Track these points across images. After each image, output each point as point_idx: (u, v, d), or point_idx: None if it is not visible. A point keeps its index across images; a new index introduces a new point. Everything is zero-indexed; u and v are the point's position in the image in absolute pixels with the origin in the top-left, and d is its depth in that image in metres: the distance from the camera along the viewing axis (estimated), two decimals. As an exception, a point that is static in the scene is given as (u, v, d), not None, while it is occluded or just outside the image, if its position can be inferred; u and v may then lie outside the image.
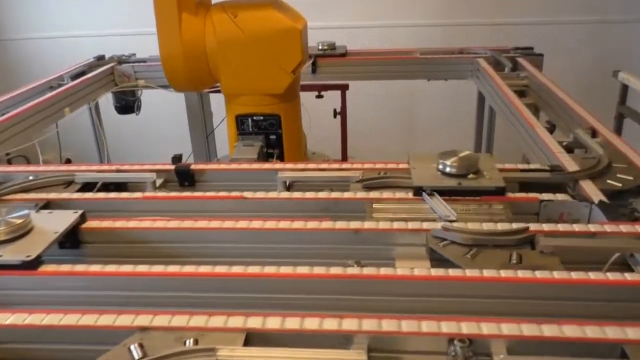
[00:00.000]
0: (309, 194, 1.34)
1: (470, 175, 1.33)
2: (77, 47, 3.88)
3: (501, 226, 1.15)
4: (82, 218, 1.26)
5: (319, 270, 1.03)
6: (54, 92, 2.37)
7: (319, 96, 3.21)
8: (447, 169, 1.35)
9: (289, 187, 1.47)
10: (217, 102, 3.18)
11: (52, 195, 1.41)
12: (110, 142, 3.59)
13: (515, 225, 1.15)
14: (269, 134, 2.15)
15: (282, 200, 1.34)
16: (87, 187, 1.50)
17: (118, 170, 1.54)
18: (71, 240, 1.24)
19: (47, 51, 4.31)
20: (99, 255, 1.26)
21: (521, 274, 0.99)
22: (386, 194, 1.32)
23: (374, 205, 1.27)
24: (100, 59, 2.94)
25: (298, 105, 2.25)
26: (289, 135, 2.17)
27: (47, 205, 1.38)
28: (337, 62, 2.75)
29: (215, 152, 3.23)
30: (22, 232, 1.14)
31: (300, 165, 1.51)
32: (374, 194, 1.32)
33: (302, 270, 1.03)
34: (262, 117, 2.13)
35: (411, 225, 1.17)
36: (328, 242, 1.18)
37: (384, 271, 1.02)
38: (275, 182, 1.47)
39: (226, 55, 2.01)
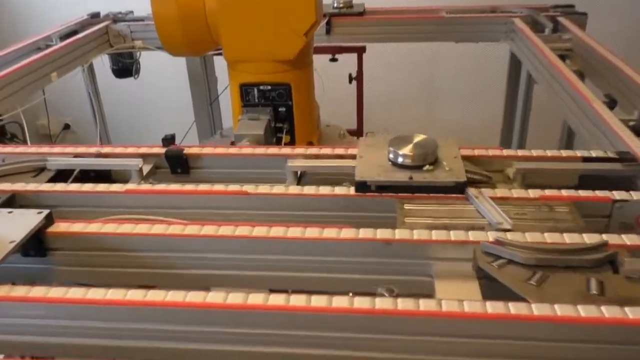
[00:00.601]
0: (324, 189, 1.10)
1: (427, 167, 1.09)
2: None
3: (569, 238, 0.91)
4: (48, 220, 1.03)
5: (339, 302, 0.79)
6: (40, 54, 2.12)
7: (333, 59, 2.93)
8: (399, 159, 1.11)
9: (300, 178, 1.22)
10: (222, 66, 2.92)
11: (18, 186, 1.18)
12: (110, 107, 3.35)
13: (588, 238, 0.90)
14: (278, 106, 1.89)
15: (292, 197, 1.10)
16: (62, 175, 1.26)
17: (99, 155, 1.30)
18: (35, 248, 1.01)
19: (44, 6, 4.02)
20: (69, 264, 1.04)
21: (608, 312, 0.75)
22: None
23: (406, 206, 1.03)
24: (94, 17, 2.67)
25: (310, 72, 1.98)
26: (301, 106, 1.91)
27: (12, 199, 1.14)
28: (353, 21, 2.46)
29: (220, 121, 2.98)
30: (-32, 242, 0.92)
31: (314, 151, 1.26)
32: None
33: (319, 302, 0.80)
34: (269, 87, 1.86)
35: (454, 235, 0.93)
36: (350, 254, 0.95)
37: (424, 305, 0.78)
38: (284, 170, 1.23)
39: (228, 15, 1.74)
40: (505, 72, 2.62)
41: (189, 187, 1.14)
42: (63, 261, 1.04)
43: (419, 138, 1.15)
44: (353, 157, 1.19)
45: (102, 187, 1.15)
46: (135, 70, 2.80)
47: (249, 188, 1.11)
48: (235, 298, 0.81)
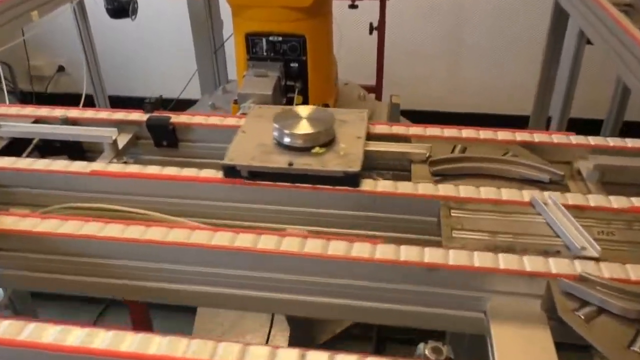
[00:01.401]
0: (188, 172, 0.89)
1: (316, 149, 0.89)
2: None
3: (681, 275, 0.66)
4: (-17, 211, 0.79)
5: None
6: (16, -11, 1.83)
7: (353, 6, 2.61)
8: (284, 139, 0.91)
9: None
10: (228, 9, 2.63)
11: (-41, 159, 0.93)
12: (104, 50, 3.07)
13: None
14: (290, 61, 1.61)
15: (302, 191, 0.85)
16: (19, 144, 1.02)
17: (65, 121, 1.04)
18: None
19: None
20: (13, 267, 0.81)
21: None
22: (471, 191, 0.82)
23: (453, 213, 0.78)
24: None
25: (329, 22, 1.69)
26: (316, 62, 1.63)
27: (-50, 175, 0.91)
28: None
29: (225, 71, 2.69)
30: None
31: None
32: (448, 189, 0.82)
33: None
34: (280, 38, 1.58)
35: (519, 261, 0.68)
36: (384, 278, 0.71)
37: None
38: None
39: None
40: (546, 28, 2.30)
41: (171, 170, 0.89)
42: (4, 263, 0.81)
43: (314, 111, 0.96)
44: (381, 137, 0.93)
45: (59, 165, 0.91)
46: (132, 10, 2.50)
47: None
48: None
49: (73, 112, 1.06)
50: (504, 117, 3.37)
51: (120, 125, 1.04)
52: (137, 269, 0.76)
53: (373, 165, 0.93)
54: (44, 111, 1.08)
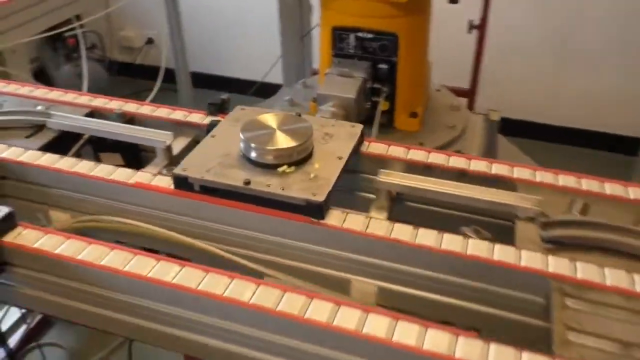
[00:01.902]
0: (427, 235, 0.68)
1: (283, 168, 0.77)
2: None
3: None
4: (8, 222, 0.69)
5: None
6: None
7: (454, 1, 2.38)
8: (250, 153, 0.79)
9: (393, 202, 0.81)
10: (320, -6, 2.49)
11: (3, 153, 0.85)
12: (193, 28, 3.02)
13: None
14: (378, 62, 1.44)
15: (256, 215, 0.69)
16: (71, 137, 0.92)
17: (121, 116, 0.93)
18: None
19: None
20: (33, 287, 0.71)
21: None
22: (595, 272, 0.62)
23: (570, 302, 0.59)
24: None
25: (427, 20, 1.50)
26: (409, 65, 1.45)
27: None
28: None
29: (310, 59, 2.55)
30: None
31: (417, 155, 0.83)
32: (564, 265, 0.63)
33: None
34: (370, 35, 1.41)
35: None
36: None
37: None
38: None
39: None
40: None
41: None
42: (25, 282, 0.71)
43: (293, 121, 0.83)
44: (482, 182, 0.75)
45: (103, 171, 0.80)
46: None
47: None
48: None
49: (130, 106, 0.95)
50: (614, 138, 3.02)
51: (179, 127, 0.92)
52: (162, 313, 0.64)
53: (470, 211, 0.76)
54: (99, 102, 0.97)
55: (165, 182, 0.79)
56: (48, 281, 0.69)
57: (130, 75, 3.63)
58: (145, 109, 0.95)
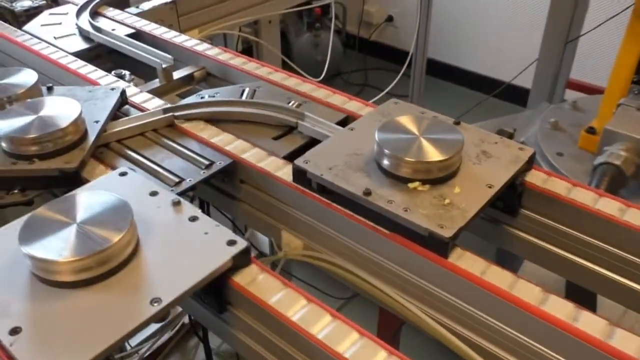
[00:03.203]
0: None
1: (415, 184, 0.64)
2: None
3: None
4: (242, 259, 0.57)
5: None
6: None
7: None
8: (381, 159, 0.66)
9: None
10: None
11: (246, 154, 0.74)
12: (440, 13, 2.81)
13: None
14: (698, 100, 1.10)
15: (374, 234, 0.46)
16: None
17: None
18: (213, 296, 0.58)
19: None
20: (254, 337, 0.58)
21: None
22: None
23: None
24: None
25: None
26: None
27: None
28: None
29: (568, 69, 2.18)
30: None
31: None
32: None
33: None
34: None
35: None
36: None
37: None
38: None
39: None
40: None
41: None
42: (245, 329, 0.59)
43: (447, 130, 0.70)
44: None
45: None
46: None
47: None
48: None
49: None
50: None
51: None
52: None
53: None
54: (353, 106, 0.82)
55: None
56: (257, 331, 0.56)
57: (361, 51, 3.56)
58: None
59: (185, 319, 1.81)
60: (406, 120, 0.69)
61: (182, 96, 1.01)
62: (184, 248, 0.57)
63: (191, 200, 0.68)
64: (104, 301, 0.51)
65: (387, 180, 0.64)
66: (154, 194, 0.63)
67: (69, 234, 0.54)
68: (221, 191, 0.79)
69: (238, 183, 0.76)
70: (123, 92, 0.85)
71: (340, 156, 0.68)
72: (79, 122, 0.73)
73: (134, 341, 1.67)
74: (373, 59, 3.54)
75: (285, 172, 0.71)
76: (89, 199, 0.59)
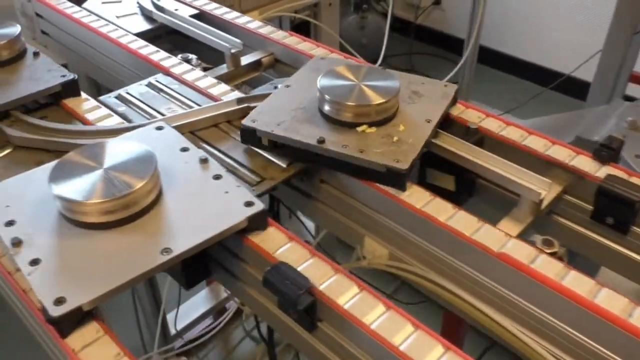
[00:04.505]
0: None
1: (362, 127, 0.69)
2: None
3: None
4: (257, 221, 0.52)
5: None
6: None
7: None
8: (324, 106, 0.70)
9: None
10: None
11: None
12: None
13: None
14: None
15: None
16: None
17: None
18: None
19: None
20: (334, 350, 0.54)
21: None
22: None
23: None
24: None
25: None
26: None
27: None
28: None
29: (633, 62, 2.07)
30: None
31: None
32: None
33: None
34: None
35: None
36: None
37: None
38: None
39: None
40: None
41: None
42: (332, 345, 0.54)
43: (379, 75, 0.73)
44: None
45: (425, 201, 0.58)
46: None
47: None
48: None
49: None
50: None
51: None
52: None
53: None
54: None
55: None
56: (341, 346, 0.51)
57: (405, 34, 3.45)
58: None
59: (228, 305, 1.78)
60: (342, 70, 0.73)
61: (249, 83, 0.96)
62: (203, 204, 0.58)
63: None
64: (119, 245, 0.53)
65: (335, 127, 0.68)
66: (184, 149, 0.65)
67: (96, 178, 0.56)
68: (297, 189, 0.74)
69: (318, 182, 0.70)
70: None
71: (286, 112, 0.70)
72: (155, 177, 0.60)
73: (179, 324, 1.65)
74: (419, 43, 3.43)
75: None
76: (118, 148, 0.61)
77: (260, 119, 0.69)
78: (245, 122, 0.68)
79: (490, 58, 2.99)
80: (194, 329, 1.71)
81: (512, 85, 2.96)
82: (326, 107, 0.69)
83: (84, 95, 0.83)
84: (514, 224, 0.64)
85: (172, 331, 1.64)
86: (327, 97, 0.68)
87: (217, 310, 1.78)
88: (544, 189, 0.63)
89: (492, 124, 0.76)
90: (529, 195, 0.63)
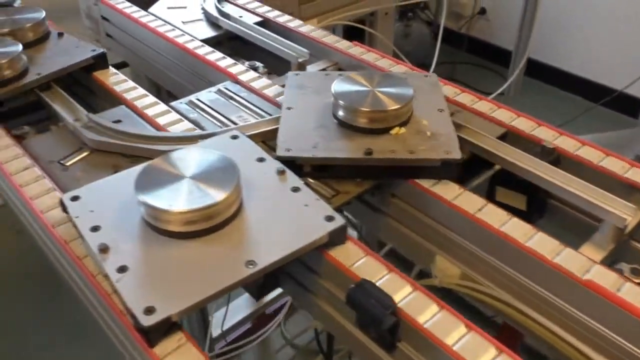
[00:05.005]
0: None
1: (395, 130, 0.70)
2: None
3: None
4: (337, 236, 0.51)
5: None
6: None
7: None
8: (354, 118, 0.70)
9: None
10: None
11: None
12: (543, 9, 2.64)
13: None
14: None
15: None
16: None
17: (548, 152, 0.69)
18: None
19: None
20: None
21: None
22: None
23: None
24: None
25: None
26: None
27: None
28: None
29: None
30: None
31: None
32: None
33: None
34: None
35: None
36: None
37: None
38: None
39: None
40: None
41: None
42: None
43: (380, 78, 0.74)
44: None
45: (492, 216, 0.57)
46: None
47: None
48: None
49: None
50: None
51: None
52: None
53: None
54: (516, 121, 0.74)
55: None
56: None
57: (449, 43, 3.41)
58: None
59: (267, 310, 1.78)
60: (351, 80, 0.73)
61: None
62: (283, 217, 0.58)
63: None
64: (203, 256, 0.53)
65: (368, 136, 0.67)
66: (261, 160, 0.65)
67: (180, 186, 0.56)
68: (366, 203, 0.73)
69: (389, 197, 0.70)
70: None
71: (309, 134, 0.68)
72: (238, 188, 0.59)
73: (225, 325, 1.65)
74: (463, 53, 3.40)
75: (440, 187, 0.65)
76: (202, 156, 0.61)
77: (294, 146, 0.67)
78: (280, 152, 0.66)
79: (537, 70, 2.94)
80: (233, 332, 1.71)
81: (559, 100, 2.90)
82: (353, 118, 0.69)
83: (112, 69, 0.91)
84: (596, 249, 0.62)
85: (217, 332, 1.65)
86: (354, 107, 0.68)
87: (256, 316, 1.78)
88: (629, 215, 0.61)
89: (568, 143, 0.74)
90: (613, 220, 0.61)
